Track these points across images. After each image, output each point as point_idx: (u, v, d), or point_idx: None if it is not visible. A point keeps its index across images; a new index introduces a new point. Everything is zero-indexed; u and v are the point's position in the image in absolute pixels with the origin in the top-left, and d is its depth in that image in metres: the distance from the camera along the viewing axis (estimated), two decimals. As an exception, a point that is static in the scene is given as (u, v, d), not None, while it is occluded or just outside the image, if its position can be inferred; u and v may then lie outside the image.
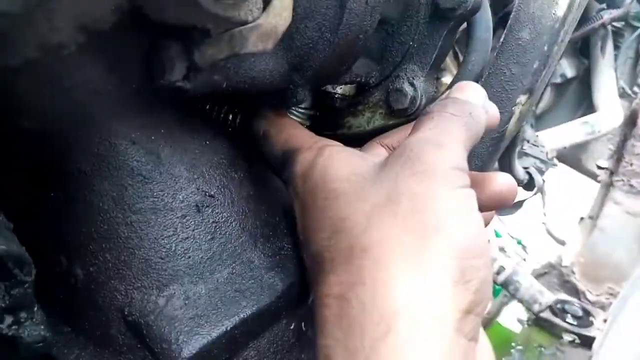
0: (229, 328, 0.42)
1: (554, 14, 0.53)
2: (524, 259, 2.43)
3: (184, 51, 0.39)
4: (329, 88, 0.57)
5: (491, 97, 0.56)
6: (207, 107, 0.59)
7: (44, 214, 0.43)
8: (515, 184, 0.48)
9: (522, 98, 0.56)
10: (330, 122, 0.63)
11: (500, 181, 0.46)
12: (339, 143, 0.48)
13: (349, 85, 0.58)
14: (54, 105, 0.40)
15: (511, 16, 0.53)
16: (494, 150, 0.60)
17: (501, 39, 0.54)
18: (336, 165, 0.43)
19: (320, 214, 0.41)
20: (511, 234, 2.64)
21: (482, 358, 0.44)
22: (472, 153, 0.60)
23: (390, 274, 0.35)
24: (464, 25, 0.60)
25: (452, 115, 0.43)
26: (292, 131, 0.50)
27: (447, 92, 0.48)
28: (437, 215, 0.37)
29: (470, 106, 0.45)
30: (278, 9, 0.39)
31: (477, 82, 0.57)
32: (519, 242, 2.70)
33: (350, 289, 0.36)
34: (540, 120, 1.58)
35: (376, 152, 0.52)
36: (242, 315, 0.43)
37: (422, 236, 0.36)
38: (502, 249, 2.36)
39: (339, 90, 0.57)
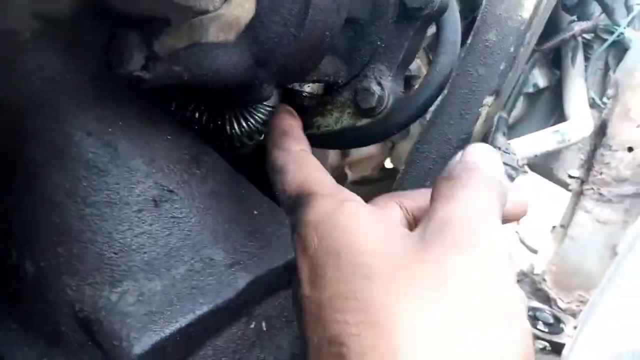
0: (183, 325, 0.41)
1: (520, 16, 0.53)
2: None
3: (143, 40, 0.39)
4: (297, 86, 0.57)
5: (459, 98, 0.57)
6: (174, 104, 0.58)
7: (-5, 206, 0.41)
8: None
9: (489, 99, 0.57)
10: (299, 122, 0.62)
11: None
12: (358, 198, 0.42)
13: (317, 84, 0.58)
14: (8, 93, 0.38)
15: (478, 18, 0.54)
16: (461, 152, 0.60)
17: (468, 41, 0.54)
18: (362, 230, 0.37)
19: (345, 291, 0.35)
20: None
21: None
22: (439, 154, 0.60)
23: None
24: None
25: (486, 184, 0.39)
26: (312, 172, 0.45)
27: (460, 154, 0.43)
28: (493, 325, 0.32)
29: (497, 172, 0.41)
30: (240, 0, 0.39)
31: (445, 83, 0.57)
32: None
33: None
34: (514, 129, 1.60)
35: (392, 211, 0.45)
36: (198, 312, 0.42)
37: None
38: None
39: (307, 88, 0.57)
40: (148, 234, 0.43)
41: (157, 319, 0.40)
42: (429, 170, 0.61)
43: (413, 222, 0.45)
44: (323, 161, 1.01)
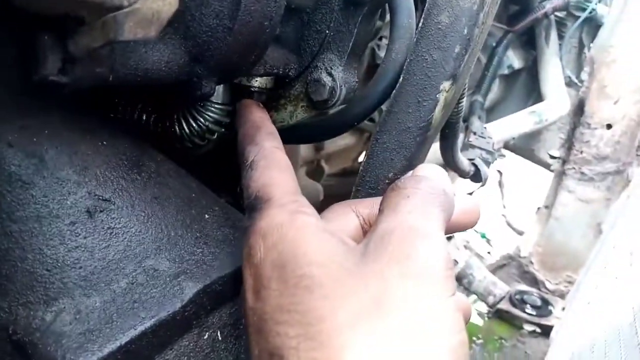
0: (124, 342, 0.38)
1: (471, -5, 0.51)
2: (489, 252, 2.45)
3: (58, 42, 0.36)
4: (244, 81, 0.54)
5: (414, 85, 0.54)
6: (119, 107, 0.55)
7: None
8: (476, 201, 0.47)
9: (446, 84, 0.54)
10: (253, 118, 0.60)
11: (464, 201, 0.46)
12: (311, 210, 0.42)
13: (266, 77, 0.55)
14: None
15: (428, 0, 0.51)
16: (421, 141, 0.57)
17: (419, 24, 0.52)
18: (310, 243, 0.37)
19: (287, 304, 0.35)
20: (475, 229, 2.67)
21: None
22: (399, 143, 0.58)
23: None
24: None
25: (429, 193, 0.40)
26: (277, 175, 0.44)
27: (411, 172, 0.46)
28: (430, 334, 0.32)
29: (442, 183, 0.42)
30: (160, -7, 0.36)
31: (402, 70, 0.55)
32: (483, 236, 2.73)
33: None
34: (492, 113, 1.58)
35: (346, 222, 0.45)
36: (140, 328, 0.39)
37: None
38: (466, 244, 2.37)
39: (255, 83, 0.54)
40: (83, 247, 0.40)
41: (95, 338, 0.38)
42: (390, 162, 0.58)
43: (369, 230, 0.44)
44: (294, 156, 0.99)
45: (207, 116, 0.55)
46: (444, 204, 0.40)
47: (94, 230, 0.41)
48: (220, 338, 0.46)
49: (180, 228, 0.46)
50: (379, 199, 0.45)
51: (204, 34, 0.43)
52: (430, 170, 0.44)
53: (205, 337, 0.45)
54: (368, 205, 0.46)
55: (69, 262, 0.39)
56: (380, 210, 0.40)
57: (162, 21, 0.36)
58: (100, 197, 0.42)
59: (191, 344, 0.44)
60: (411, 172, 0.45)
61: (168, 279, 0.43)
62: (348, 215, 0.46)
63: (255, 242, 0.39)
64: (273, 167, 0.45)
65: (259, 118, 0.51)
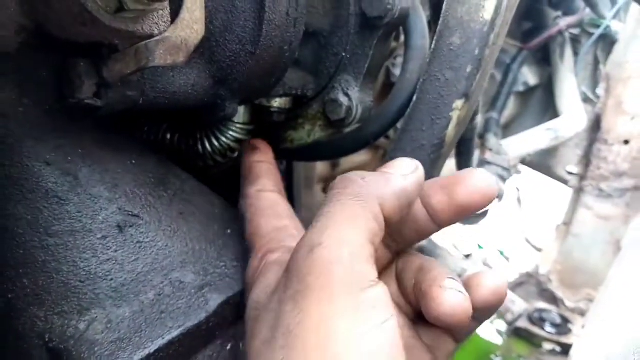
0: (152, 351, 0.40)
1: (482, 17, 0.53)
2: (507, 270, 2.43)
3: (93, 68, 0.39)
4: (265, 102, 0.56)
5: (428, 104, 0.56)
6: (145, 128, 0.58)
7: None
8: (493, 179, 0.45)
9: (459, 103, 0.56)
10: (273, 137, 0.62)
11: (477, 178, 0.40)
12: (284, 245, 0.45)
13: (285, 98, 0.58)
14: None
15: (440, 22, 0.54)
16: (436, 158, 0.59)
17: (432, 46, 0.54)
18: (256, 286, 0.42)
19: (245, 349, 0.39)
20: (493, 246, 2.65)
21: None
22: (414, 161, 0.59)
23: None
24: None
25: (337, 193, 0.37)
26: (258, 221, 0.49)
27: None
28: (308, 348, 0.31)
29: (364, 172, 0.39)
30: (188, 22, 0.39)
31: (415, 89, 0.57)
32: (502, 253, 2.70)
33: None
34: (508, 129, 1.59)
35: None
36: (167, 337, 0.41)
37: None
38: (485, 262, 2.36)
39: (275, 103, 0.57)
40: (114, 260, 0.42)
41: (125, 346, 0.40)
42: (405, 178, 0.60)
43: None
44: (311, 173, 1.01)
45: (228, 135, 0.57)
46: (362, 195, 0.37)
47: (123, 244, 0.43)
48: (242, 349, 0.48)
49: (204, 242, 0.49)
50: None
51: (228, 58, 0.46)
52: (389, 166, 0.41)
53: (228, 347, 0.47)
54: None
55: (100, 274, 0.42)
56: None
57: (190, 48, 0.39)
58: (130, 213, 0.44)
59: (215, 354, 0.46)
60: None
61: (193, 290, 0.45)
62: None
63: (245, 290, 0.45)
64: (255, 214, 0.49)
65: (249, 164, 0.54)
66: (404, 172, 0.39)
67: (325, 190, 1.12)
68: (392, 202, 0.38)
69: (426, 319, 0.39)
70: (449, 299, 0.36)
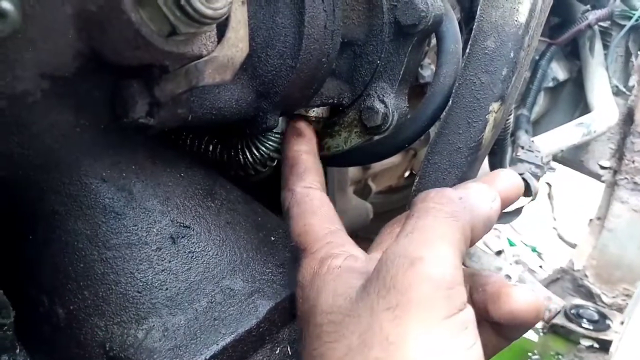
0: (208, 357, 0.42)
1: (516, 21, 0.53)
2: (541, 266, 2.40)
3: (145, 88, 0.40)
4: (303, 112, 0.58)
5: (464, 107, 0.57)
6: (187, 140, 0.60)
7: (22, 257, 0.44)
8: (519, 177, 0.46)
9: (495, 106, 0.57)
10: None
11: (504, 176, 0.44)
12: (346, 251, 0.45)
13: (322, 107, 0.59)
14: (23, 152, 0.41)
15: (474, 27, 0.54)
16: (472, 160, 0.60)
17: (467, 50, 0.55)
18: (326, 290, 0.40)
19: (311, 350, 0.39)
20: (525, 242, 2.62)
21: None
22: (451, 163, 0.60)
23: None
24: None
25: (433, 208, 0.38)
26: (308, 221, 0.48)
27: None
28: None
29: (459, 191, 0.40)
30: (233, 41, 0.40)
31: (450, 93, 0.57)
32: (534, 250, 2.67)
33: None
34: (538, 125, 1.57)
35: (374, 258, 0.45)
36: (221, 343, 0.43)
37: None
38: (518, 259, 2.33)
39: (312, 113, 0.58)
40: (168, 270, 0.44)
41: (182, 353, 0.42)
42: (442, 181, 0.61)
43: None
44: (343, 177, 1.02)
45: (268, 145, 0.59)
46: (458, 214, 0.38)
47: (177, 254, 0.45)
48: (290, 352, 0.49)
49: (251, 250, 0.50)
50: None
51: (269, 73, 0.47)
52: (464, 187, 0.43)
53: (277, 351, 0.48)
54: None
55: (156, 284, 0.44)
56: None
57: (235, 66, 0.40)
58: (182, 224, 0.46)
59: (265, 358, 0.47)
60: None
61: (243, 297, 0.46)
62: (387, 238, 0.49)
63: (297, 293, 0.45)
64: (305, 213, 0.49)
65: (294, 154, 0.54)
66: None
67: (357, 192, 1.13)
68: (479, 229, 0.39)
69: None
70: (524, 295, 0.39)
